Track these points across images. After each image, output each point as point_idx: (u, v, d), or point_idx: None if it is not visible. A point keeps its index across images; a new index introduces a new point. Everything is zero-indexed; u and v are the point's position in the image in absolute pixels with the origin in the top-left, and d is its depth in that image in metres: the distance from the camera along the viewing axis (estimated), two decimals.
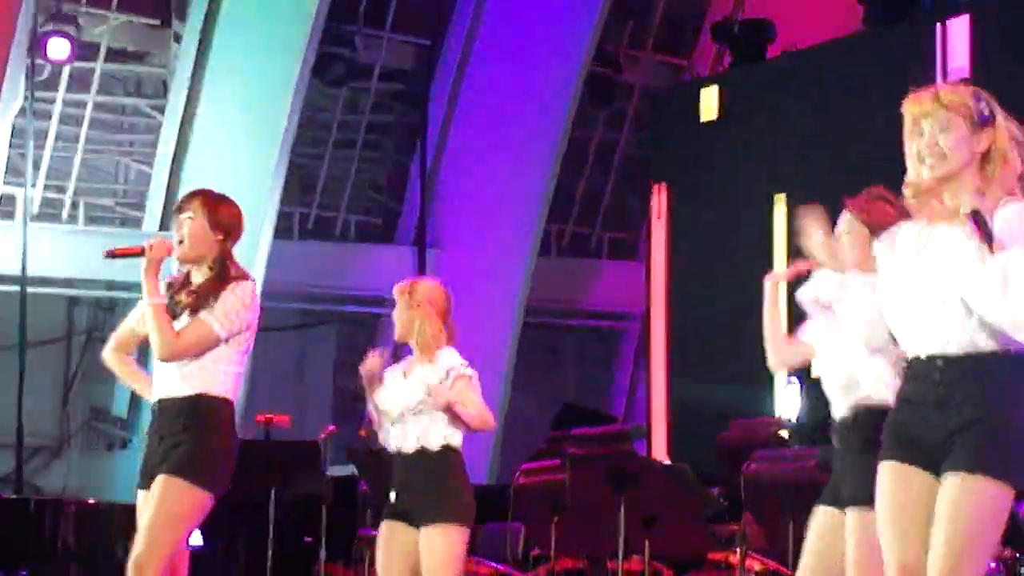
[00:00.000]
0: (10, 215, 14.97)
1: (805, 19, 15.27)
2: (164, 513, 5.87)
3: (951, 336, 4.29)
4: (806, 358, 5.80)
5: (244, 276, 6.12)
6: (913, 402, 4.36)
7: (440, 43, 16.56)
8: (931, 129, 4.32)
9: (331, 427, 9.11)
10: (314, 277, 16.50)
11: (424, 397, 6.67)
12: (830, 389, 5.62)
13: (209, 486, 5.94)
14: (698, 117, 15.34)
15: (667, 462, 12.44)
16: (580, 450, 10.43)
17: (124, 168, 16.14)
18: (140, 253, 6.03)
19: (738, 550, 7.87)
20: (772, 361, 5.84)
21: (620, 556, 7.23)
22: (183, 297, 6.07)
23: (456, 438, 6.73)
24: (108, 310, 16.08)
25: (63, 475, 15.86)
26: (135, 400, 15.86)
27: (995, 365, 4.27)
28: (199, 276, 6.14)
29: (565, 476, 8.48)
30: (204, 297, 6.02)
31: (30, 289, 14.52)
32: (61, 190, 15.91)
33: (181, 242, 6.08)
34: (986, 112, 4.33)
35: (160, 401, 6.07)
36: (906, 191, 4.38)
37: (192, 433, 5.94)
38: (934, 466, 4.29)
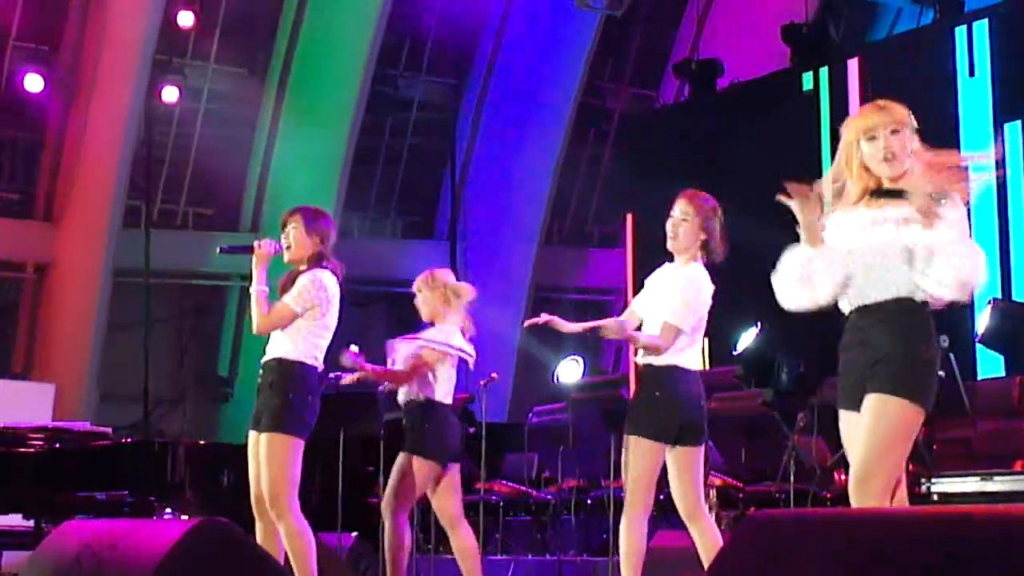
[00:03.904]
0: (136, 223, 14.94)
1: (746, 58, 15.17)
2: (271, 464, 5.77)
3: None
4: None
5: (324, 267, 6.05)
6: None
7: (465, 82, 16.51)
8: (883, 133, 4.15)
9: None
10: (371, 266, 16.43)
11: None
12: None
13: (291, 432, 5.81)
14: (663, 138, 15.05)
15: None
16: (579, 395, 10.38)
17: (223, 185, 16.09)
18: (249, 250, 5.96)
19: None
20: None
21: (611, 477, 7.19)
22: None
23: None
24: (212, 295, 16.03)
25: (180, 422, 15.84)
26: (234, 363, 15.81)
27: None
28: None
29: (568, 415, 8.43)
30: (290, 284, 5.99)
31: (153, 280, 14.47)
32: (175, 202, 15.88)
33: (288, 247, 6.03)
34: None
35: (262, 363, 6.03)
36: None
37: (273, 391, 5.85)
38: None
